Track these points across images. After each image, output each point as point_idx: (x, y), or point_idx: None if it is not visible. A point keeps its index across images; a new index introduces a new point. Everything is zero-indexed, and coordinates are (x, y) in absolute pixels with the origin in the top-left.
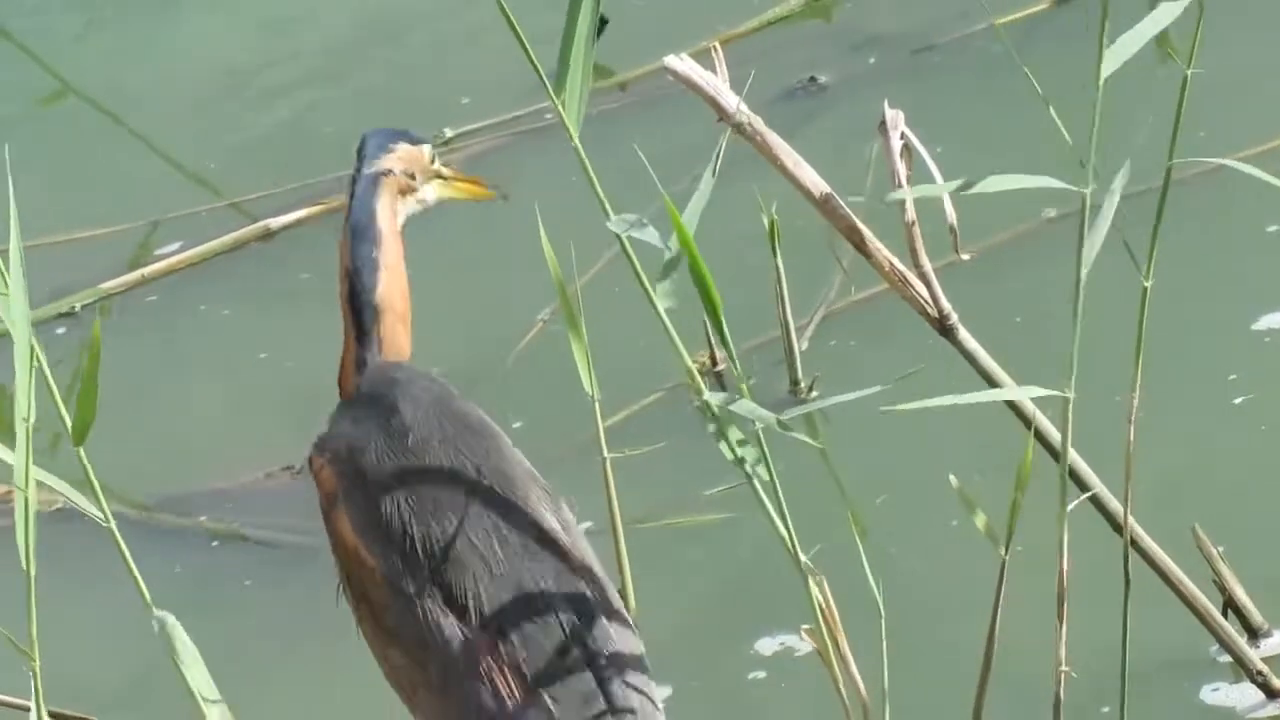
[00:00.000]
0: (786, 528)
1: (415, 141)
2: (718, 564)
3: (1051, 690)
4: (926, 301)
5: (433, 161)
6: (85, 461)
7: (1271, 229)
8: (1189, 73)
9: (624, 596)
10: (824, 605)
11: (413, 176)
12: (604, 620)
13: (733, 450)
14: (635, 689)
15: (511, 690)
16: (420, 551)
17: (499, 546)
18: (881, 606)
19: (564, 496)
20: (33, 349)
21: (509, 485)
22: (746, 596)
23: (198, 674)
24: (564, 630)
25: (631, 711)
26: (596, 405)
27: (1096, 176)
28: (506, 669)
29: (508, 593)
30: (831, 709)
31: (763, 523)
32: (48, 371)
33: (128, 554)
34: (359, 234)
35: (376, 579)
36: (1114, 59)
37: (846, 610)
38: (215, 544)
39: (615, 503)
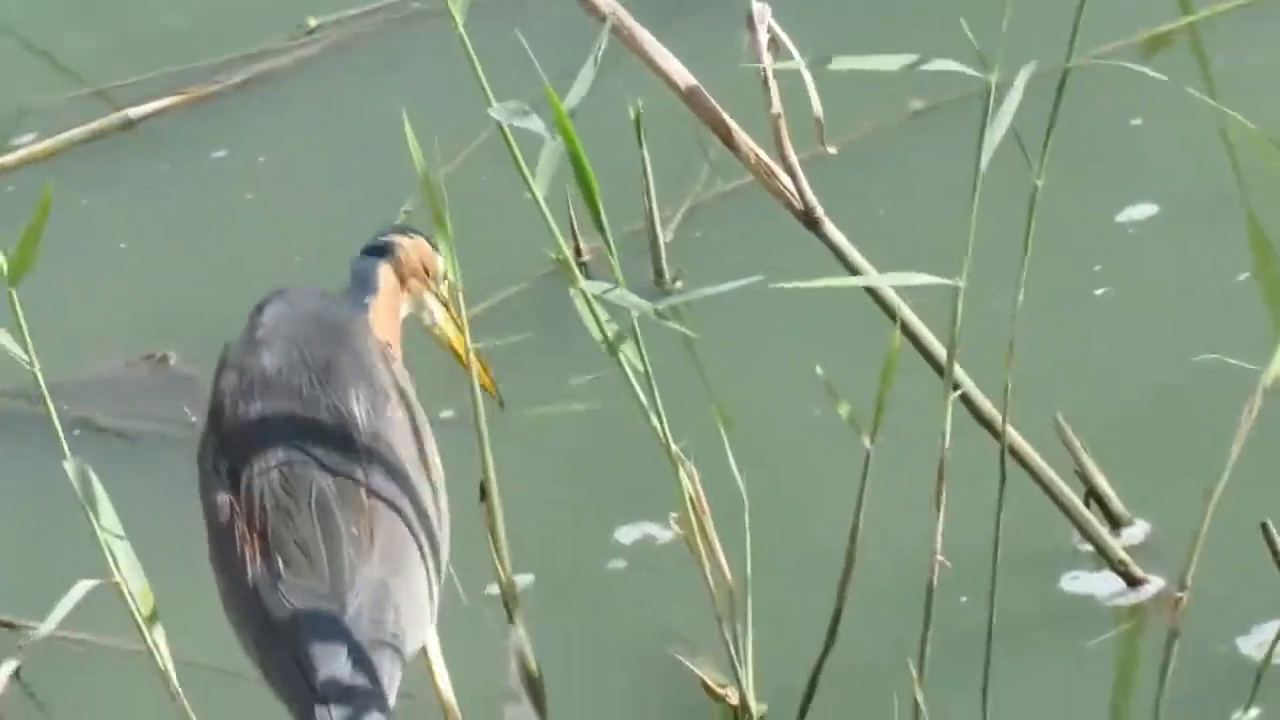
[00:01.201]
0: (658, 416)
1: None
2: (580, 455)
3: (915, 581)
4: (792, 194)
5: (445, 277)
6: (17, 306)
7: (1135, 122)
8: None
9: (486, 488)
10: (693, 493)
11: (427, 271)
12: (359, 506)
13: (606, 339)
14: (363, 574)
15: (254, 553)
16: (224, 430)
17: (286, 425)
18: (745, 496)
19: (413, 397)
20: None
21: (329, 376)
22: (607, 487)
23: (106, 514)
24: (312, 508)
25: (348, 582)
26: (460, 295)
27: (995, 65)
28: (254, 535)
29: (276, 468)
30: (692, 598)
31: (622, 415)
32: None
33: None
34: (357, 279)
35: (199, 455)
36: None
37: (712, 501)
38: (76, 432)
39: (478, 393)
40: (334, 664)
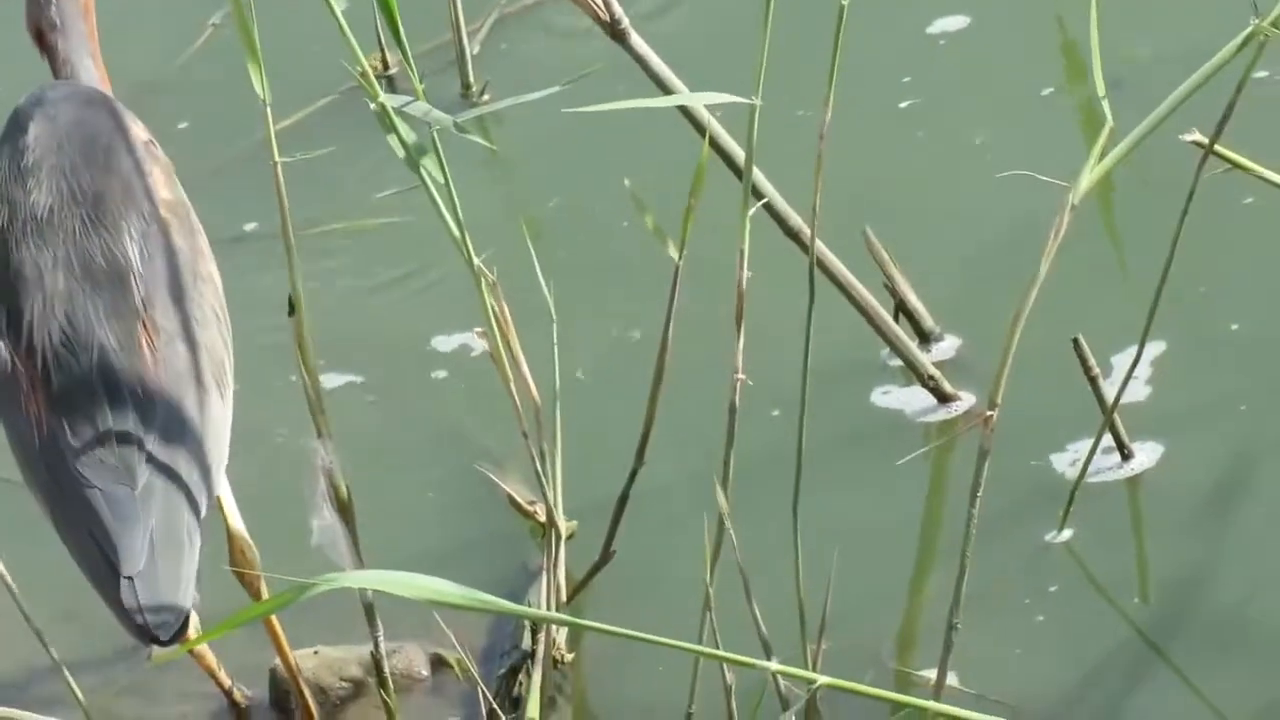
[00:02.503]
0: (460, 230)
1: None
2: (394, 266)
3: (727, 397)
4: (597, 4)
5: None
6: None
7: None
8: None
9: (294, 302)
10: (495, 308)
11: None
12: (143, 359)
13: (407, 152)
14: (173, 433)
15: (39, 414)
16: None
17: (64, 275)
18: (553, 310)
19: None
20: None
21: (100, 212)
22: (425, 298)
23: None
24: (93, 364)
25: (136, 444)
26: (268, 109)
27: None
28: (38, 393)
29: (55, 321)
30: (505, 412)
31: (439, 226)
32: None
33: None
34: (61, 39)
35: None
36: None
37: (520, 315)
38: None
39: (286, 207)
40: (134, 541)
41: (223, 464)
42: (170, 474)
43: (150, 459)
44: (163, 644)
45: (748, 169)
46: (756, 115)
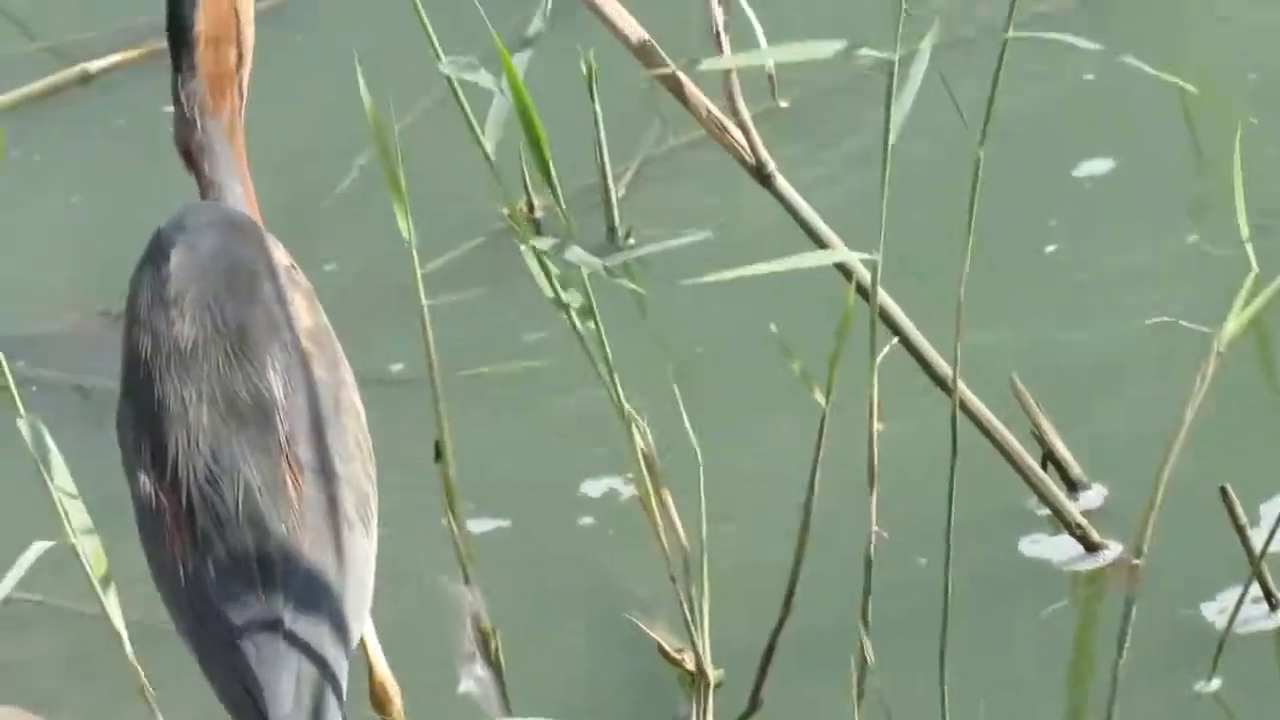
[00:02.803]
0: (610, 374)
1: None
2: (543, 409)
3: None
4: (744, 148)
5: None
6: None
7: (1088, 77)
8: None
9: (440, 448)
10: (645, 452)
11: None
12: (287, 499)
13: (556, 296)
14: (317, 579)
15: (183, 551)
16: (141, 404)
17: (208, 410)
18: (700, 455)
19: (338, 356)
20: None
21: (244, 345)
22: (572, 441)
23: (60, 473)
24: (238, 503)
25: (280, 586)
26: (414, 251)
27: (906, 40)
28: (182, 531)
29: (200, 458)
30: (654, 557)
31: (584, 369)
32: None
33: None
34: (201, 158)
35: (117, 423)
36: None
37: (668, 459)
38: (33, 389)
39: (433, 349)
40: (280, 686)
41: (367, 603)
42: (315, 616)
43: (295, 601)
44: None
45: (873, 323)
46: (879, 270)
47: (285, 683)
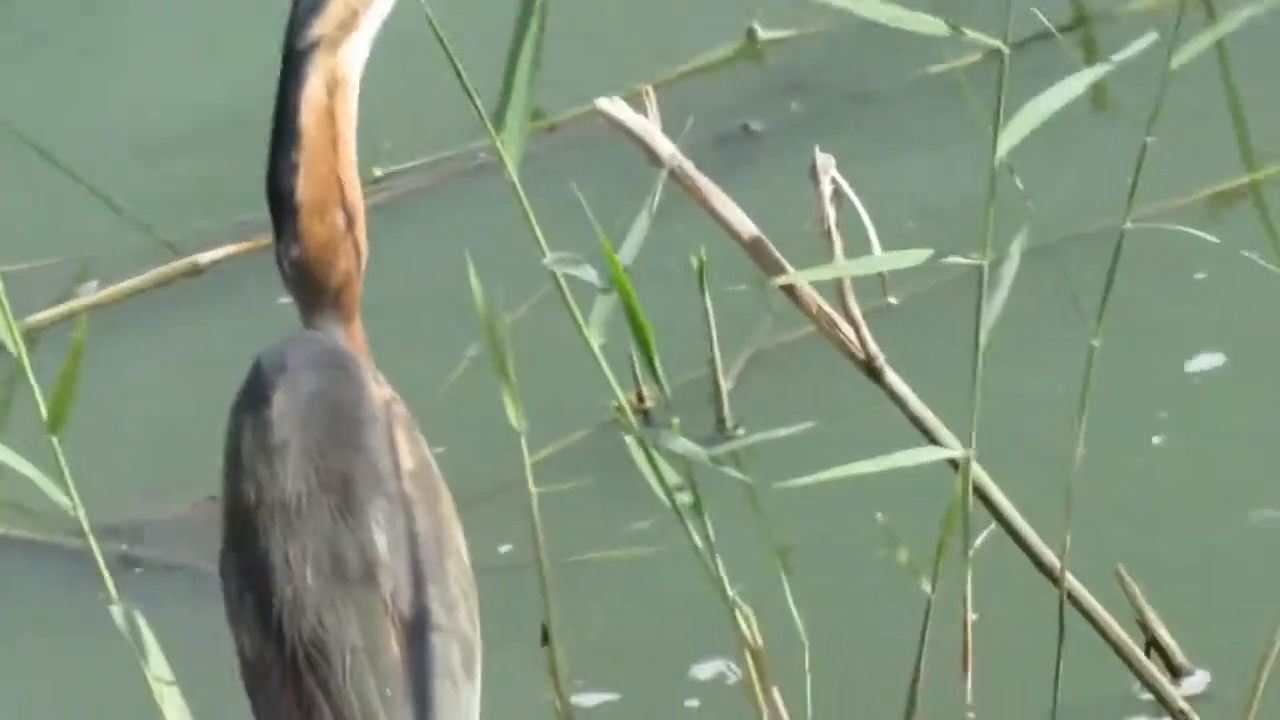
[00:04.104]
0: (714, 563)
1: None
2: (650, 595)
3: None
4: (854, 344)
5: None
6: (58, 450)
7: (1199, 276)
8: (1148, 141)
9: (547, 630)
10: (750, 638)
11: (354, 17)
12: (391, 663)
13: (663, 486)
14: None
15: (291, 711)
16: (246, 557)
17: (312, 571)
18: (805, 639)
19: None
20: None
21: (348, 501)
22: (679, 626)
23: (156, 661)
24: (345, 667)
25: None
26: (523, 440)
27: (996, 245)
28: (290, 692)
29: (307, 620)
30: None
31: (689, 553)
32: None
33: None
34: (280, 138)
35: (221, 570)
36: (1011, 136)
37: (775, 641)
38: (137, 570)
39: (541, 537)
40: None
41: None
42: None
43: None
44: None
45: (965, 516)
46: (970, 466)
47: None
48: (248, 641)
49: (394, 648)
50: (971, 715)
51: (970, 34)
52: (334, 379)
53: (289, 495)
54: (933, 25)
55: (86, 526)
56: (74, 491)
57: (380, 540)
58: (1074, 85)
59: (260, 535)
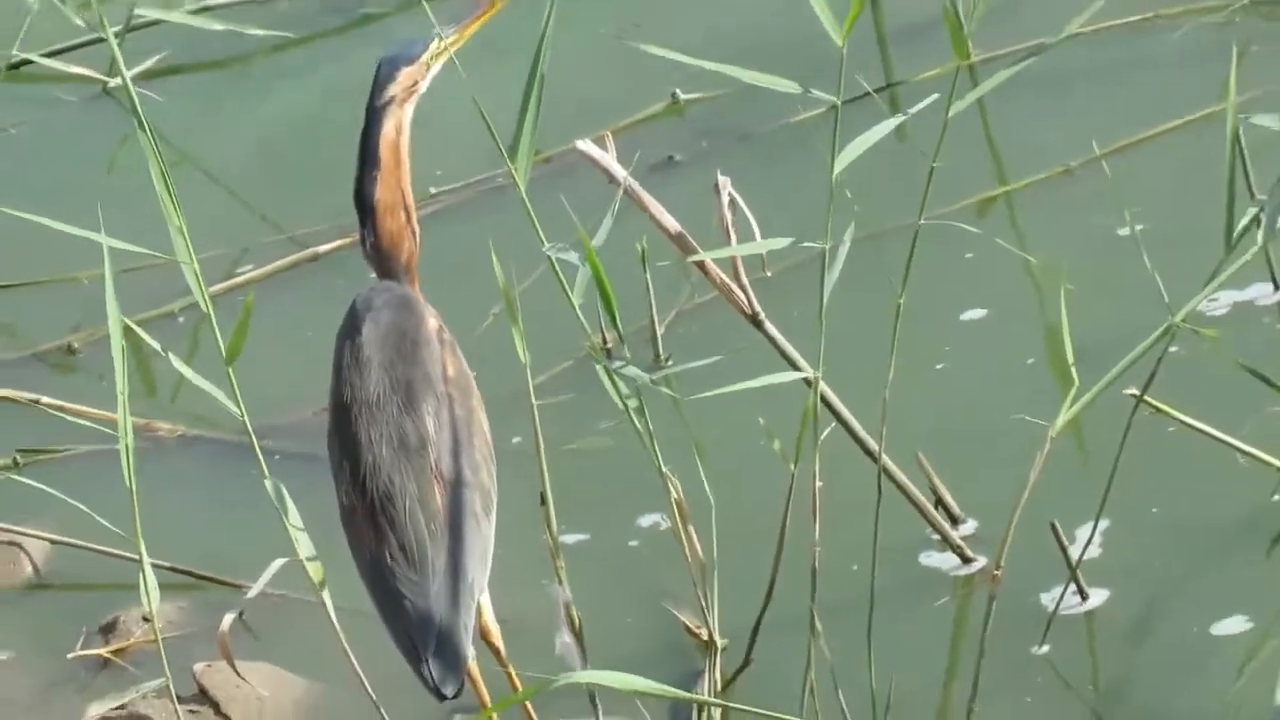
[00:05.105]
0: (653, 449)
1: (414, 60)
2: (612, 468)
3: (828, 557)
4: (743, 302)
5: (433, 60)
6: (232, 377)
7: (969, 255)
8: (934, 164)
9: (544, 496)
10: (676, 498)
11: (415, 84)
12: (435, 506)
13: (620, 398)
14: (453, 559)
15: (371, 540)
16: (344, 437)
17: (385, 446)
18: (712, 500)
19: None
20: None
21: (411, 397)
22: (629, 490)
23: (293, 514)
24: (405, 510)
25: (430, 565)
26: (527, 368)
27: (834, 234)
28: (370, 526)
29: (380, 479)
30: (682, 568)
31: (637, 443)
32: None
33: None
34: (365, 162)
35: (328, 446)
36: (844, 161)
37: (692, 501)
38: (276, 458)
39: (539, 432)
40: (428, 633)
41: (486, 572)
42: (454, 582)
43: (438, 576)
44: (448, 697)
45: (815, 416)
46: (818, 384)
47: (432, 632)
48: (343, 493)
49: (437, 496)
50: (819, 549)
51: (815, 93)
52: (402, 315)
53: (371, 394)
54: (790, 86)
55: (249, 427)
56: (241, 404)
57: (429, 424)
58: (883, 129)
59: (352, 422)
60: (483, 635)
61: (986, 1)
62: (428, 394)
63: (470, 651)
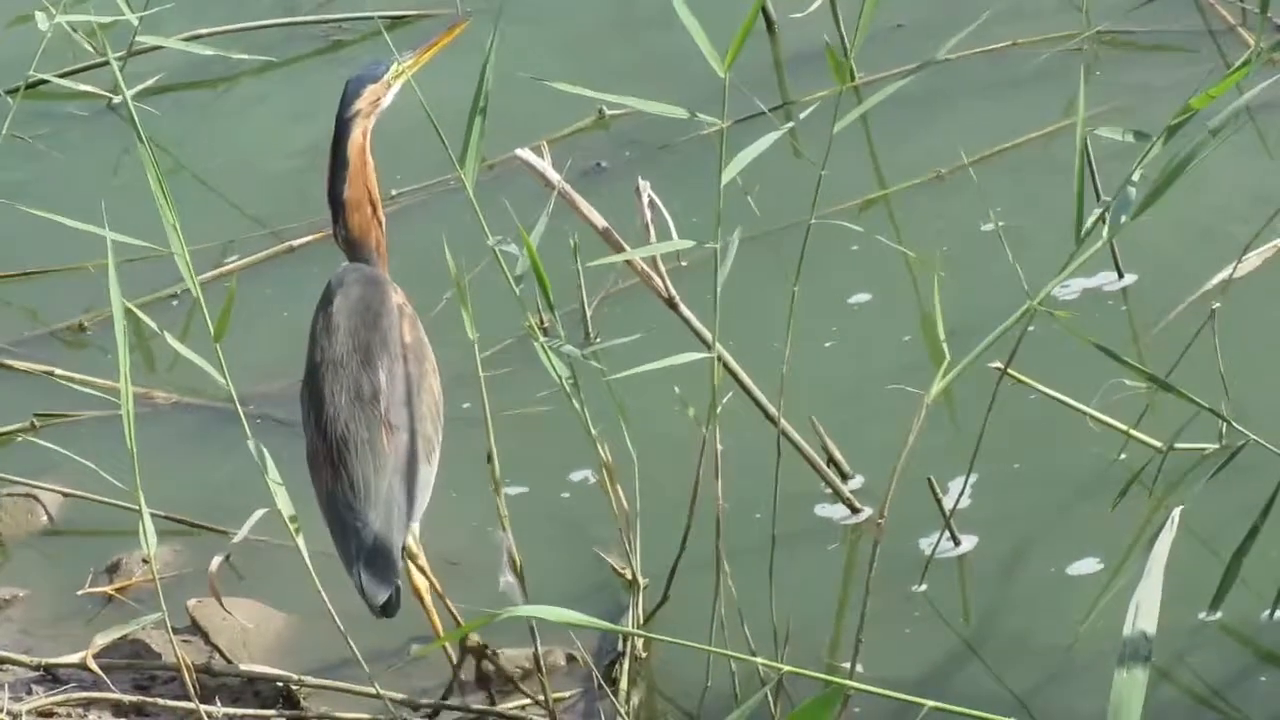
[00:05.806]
0: (583, 414)
1: (378, 79)
2: (548, 431)
3: (736, 509)
4: (661, 289)
5: (393, 80)
6: (219, 352)
7: (854, 248)
8: (822, 173)
9: (490, 455)
10: (604, 458)
11: (378, 99)
12: (383, 449)
13: (556, 372)
14: (391, 491)
15: (329, 478)
16: (312, 391)
17: (345, 398)
18: (635, 458)
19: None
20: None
21: (368, 356)
22: (563, 449)
23: (272, 471)
24: (357, 451)
25: (374, 497)
26: (475, 344)
27: (726, 232)
28: (329, 466)
29: (339, 425)
30: (608, 517)
31: (570, 410)
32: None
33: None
34: (336, 165)
35: (301, 398)
36: (731, 171)
37: (618, 459)
38: (258, 421)
39: (486, 400)
40: (361, 547)
41: (423, 502)
42: (389, 510)
43: (380, 502)
44: (383, 614)
45: (714, 385)
46: (719, 361)
47: (363, 547)
48: (310, 439)
49: (385, 441)
50: (724, 503)
51: (700, 116)
52: (369, 290)
53: (337, 355)
54: (677, 112)
55: (235, 395)
56: (227, 375)
57: (382, 378)
58: (766, 141)
59: (320, 378)
60: (411, 559)
61: (864, 34)
62: (383, 354)
63: (399, 566)
